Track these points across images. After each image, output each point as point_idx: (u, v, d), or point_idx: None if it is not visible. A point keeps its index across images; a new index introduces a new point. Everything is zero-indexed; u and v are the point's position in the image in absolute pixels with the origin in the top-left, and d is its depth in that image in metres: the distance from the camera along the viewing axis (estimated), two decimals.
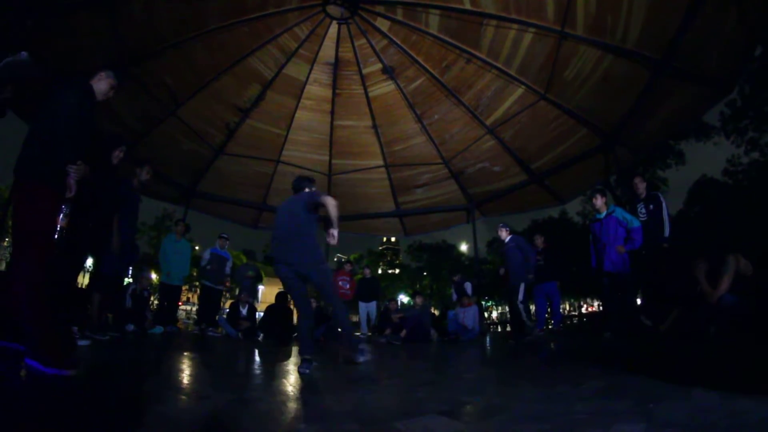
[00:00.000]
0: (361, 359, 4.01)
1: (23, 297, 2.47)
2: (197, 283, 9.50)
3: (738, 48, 5.36)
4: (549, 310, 8.72)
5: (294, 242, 3.93)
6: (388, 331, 8.39)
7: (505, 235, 7.95)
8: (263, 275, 10.47)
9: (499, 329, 31.48)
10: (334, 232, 3.95)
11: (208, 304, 8.95)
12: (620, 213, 6.24)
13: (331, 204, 3.84)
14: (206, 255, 8.74)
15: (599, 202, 6.57)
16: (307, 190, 4.33)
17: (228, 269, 8.96)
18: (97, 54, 6.15)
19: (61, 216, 2.89)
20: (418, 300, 10.04)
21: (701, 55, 5.65)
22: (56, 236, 2.83)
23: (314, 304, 9.34)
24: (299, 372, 3.34)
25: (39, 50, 5.64)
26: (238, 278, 9.52)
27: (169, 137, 8.70)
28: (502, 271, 8.23)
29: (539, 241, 8.44)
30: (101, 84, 3.20)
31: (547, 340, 6.82)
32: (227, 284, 9.42)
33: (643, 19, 5.63)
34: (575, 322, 30.57)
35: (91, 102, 3.08)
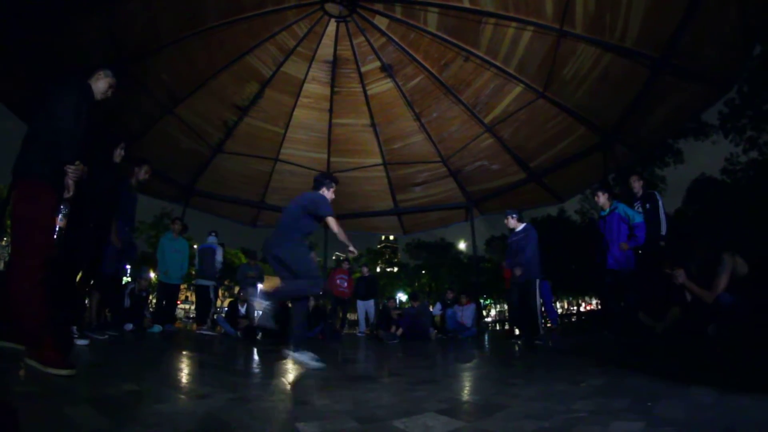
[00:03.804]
0: (302, 359, 3.63)
1: (22, 296, 2.47)
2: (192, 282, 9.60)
3: (737, 46, 5.36)
4: (543, 309, 8.75)
5: (278, 236, 4.07)
6: (393, 329, 8.38)
7: (513, 224, 7.03)
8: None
9: (498, 327, 31.53)
10: (350, 248, 4.17)
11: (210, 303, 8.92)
12: (623, 209, 6.20)
13: (333, 225, 4.07)
14: (219, 253, 8.75)
15: (602, 199, 6.51)
16: (324, 190, 4.37)
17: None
18: (94, 52, 6.12)
19: (60, 216, 2.88)
20: (415, 304, 10.09)
21: (700, 53, 5.64)
22: (55, 236, 2.82)
23: (312, 303, 9.37)
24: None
25: (37, 49, 5.64)
26: (239, 277, 9.51)
27: (167, 135, 8.67)
28: (507, 264, 7.08)
29: None
30: (100, 83, 3.20)
31: (546, 338, 6.82)
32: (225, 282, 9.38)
33: (642, 17, 5.63)
34: (574, 320, 30.63)
35: (89, 101, 3.07)
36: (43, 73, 5.63)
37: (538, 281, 6.63)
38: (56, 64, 5.79)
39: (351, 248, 4.15)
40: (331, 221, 4.08)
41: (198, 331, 7.91)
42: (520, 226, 7.01)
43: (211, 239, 8.81)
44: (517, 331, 7.20)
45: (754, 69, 18.19)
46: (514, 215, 7.09)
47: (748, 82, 19.30)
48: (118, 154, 4.75)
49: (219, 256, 8.72)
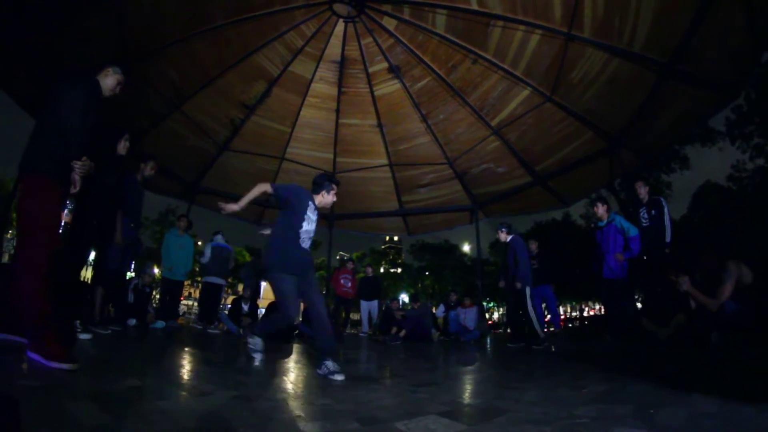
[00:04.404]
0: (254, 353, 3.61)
1: (26, 290, 2.48)
2: (199, 279, 9.62)
3: (744, 53, 5.35)
4: (546, 313, 8.72)
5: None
6: (394, 330, 8.38)
7: (504, 238, 7.25)
8: None
9: (500, 330, 31.43)
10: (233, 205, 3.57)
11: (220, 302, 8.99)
12: (619, 221, 6.30)
13: (254, 188, 3.52)
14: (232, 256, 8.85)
15: (600, 210, 6.63)
16: (323, 193, 3.84)
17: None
18: (103, 49, 6.14)
19: (66, 211, 2.89)
20: (416, 306, 10.07)
21: (708, 59, 5.63)
22: (60, 231, 2.83)
23: None
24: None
25: (42, 46, 5.67)
26: (243, 275, 9.54)
27: (174, 133, 8.72)
28: (501, 283, 7.37)
29: (533, 246, 8.30)
30: (108, 80, 3.20)
31: (548, 342, 6.81)
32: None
33: (650, 22, 5.62)
34: (576, 325, 30.50)
35: (97, 98, 3.08)
36: (50, 69, 5.66)
37: (529, 288, 6.75)
38: (62, 60, 5.82)
39: (233, 205, 3.54)
40: (258, 186, 3.51)
41: (204, 329, 7.90)
42: (510, 237, 7.17)
43: (220, 238, 8.83)
44: (515, 335, 7.22)
45: (762, 76, 18.05)
46: (504, 229, 7.25)
47: (756, 88, 19.16)
48: (123, 146, 4.75)
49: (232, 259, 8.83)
